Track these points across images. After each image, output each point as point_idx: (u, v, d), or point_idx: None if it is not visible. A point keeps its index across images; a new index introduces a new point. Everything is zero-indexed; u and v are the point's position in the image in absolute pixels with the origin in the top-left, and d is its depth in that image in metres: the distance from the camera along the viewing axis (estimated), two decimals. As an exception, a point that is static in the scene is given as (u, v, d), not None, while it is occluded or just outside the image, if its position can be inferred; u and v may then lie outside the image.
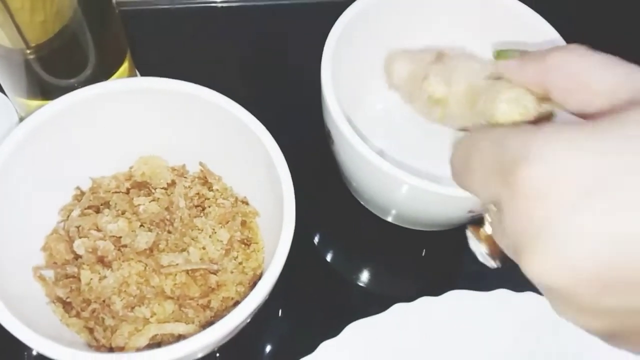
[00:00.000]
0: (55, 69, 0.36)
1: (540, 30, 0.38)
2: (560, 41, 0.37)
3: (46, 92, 0.36)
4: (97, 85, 0.35)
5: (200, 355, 0.32)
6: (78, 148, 0.36)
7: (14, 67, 0.35)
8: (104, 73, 0.37)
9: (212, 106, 0.35)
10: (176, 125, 0.37)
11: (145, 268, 0.34)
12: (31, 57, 0.34)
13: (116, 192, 0.37)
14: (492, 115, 0.26)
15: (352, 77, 0.39)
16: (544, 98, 0.25)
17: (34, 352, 0.37)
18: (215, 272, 0.35)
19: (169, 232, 0.36)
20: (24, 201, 0.34)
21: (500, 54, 0.28)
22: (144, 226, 0.35)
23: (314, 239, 0.43)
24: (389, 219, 0.41)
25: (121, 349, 0.33)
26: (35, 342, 0.28)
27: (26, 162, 0.33)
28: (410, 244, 0.42)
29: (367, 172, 0.35)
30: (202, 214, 0.37)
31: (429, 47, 0.35)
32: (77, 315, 0.34)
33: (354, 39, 0.38)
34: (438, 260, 0.43)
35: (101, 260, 0.34)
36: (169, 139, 0.38)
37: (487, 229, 0.24)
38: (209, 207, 0.37)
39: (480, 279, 0.37)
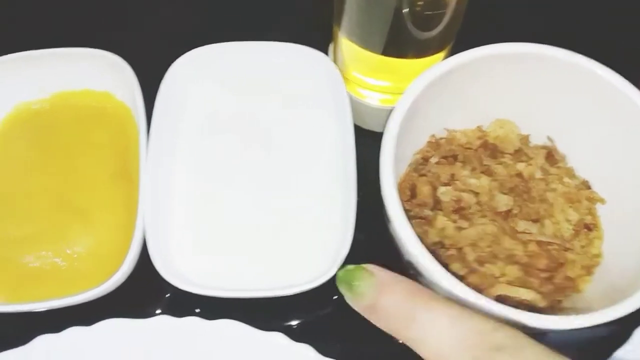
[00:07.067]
0: (422, 27, 0.34)
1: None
2: None
3: (396, 47, 0.35)
4: (489, 47, 0.35)
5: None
6: (448, 100, 0.37)
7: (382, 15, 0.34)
8: (444, 44, 0.37)
9: (596, 82, 0.34)
10: (539, 95, 0.37)
11: (499, 229, 0.35)
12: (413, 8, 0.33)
13: (467, 148, 0.38)
14: None
15: None
16: None
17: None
18: (565, 250, 0.35)
19: (524, 199, 0.36)
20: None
21: (347, 276, 0.28)
22: (499, 188, 0.36)
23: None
24: None
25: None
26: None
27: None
28: None
29: None
30: (548, 189, 0.37)
31: None
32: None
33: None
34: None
35: (458, 211, 0.36)
36: (525, 107, 0.38)
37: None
38: (552, 183, 0.37)
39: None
